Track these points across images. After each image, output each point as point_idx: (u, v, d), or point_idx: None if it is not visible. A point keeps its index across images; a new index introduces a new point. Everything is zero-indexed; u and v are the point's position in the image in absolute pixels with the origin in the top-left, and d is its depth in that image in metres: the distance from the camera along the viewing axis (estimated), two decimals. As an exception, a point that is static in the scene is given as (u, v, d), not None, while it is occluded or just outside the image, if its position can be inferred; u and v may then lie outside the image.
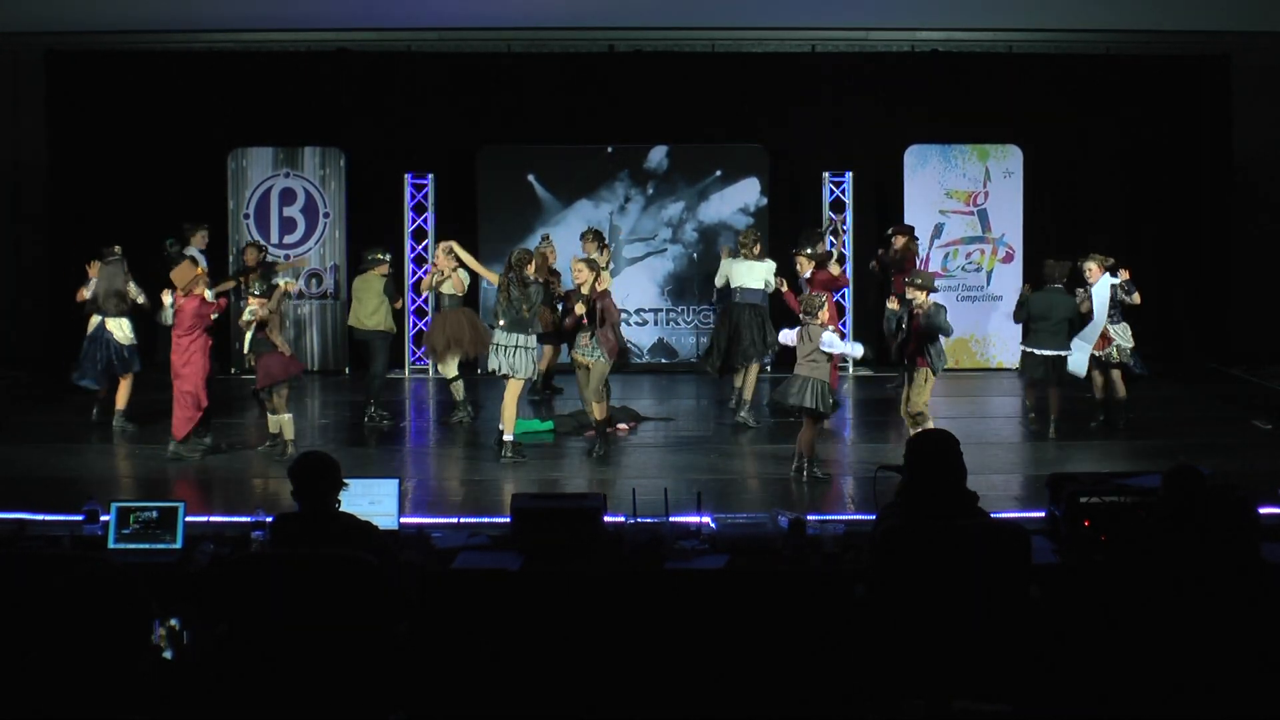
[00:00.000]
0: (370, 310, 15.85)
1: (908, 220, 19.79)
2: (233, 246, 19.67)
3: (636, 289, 20.13)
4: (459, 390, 15.81)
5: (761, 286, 15.87)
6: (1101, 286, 14.96)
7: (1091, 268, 15.19)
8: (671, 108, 20.44)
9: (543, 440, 14.78)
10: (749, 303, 15.83)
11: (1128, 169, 20.91)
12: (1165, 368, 19.59)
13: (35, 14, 19.73)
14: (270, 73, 20.57)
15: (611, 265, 17.13)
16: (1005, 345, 19.22)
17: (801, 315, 13.05)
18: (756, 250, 16.00)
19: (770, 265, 16.05)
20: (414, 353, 19.60)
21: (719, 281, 16.84)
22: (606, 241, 17.19)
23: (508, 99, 20.46)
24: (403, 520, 9.52)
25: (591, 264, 14.15)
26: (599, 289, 14.00)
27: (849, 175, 19.92)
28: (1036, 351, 15.01)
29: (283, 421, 13.99)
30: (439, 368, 16.01)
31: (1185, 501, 7.28)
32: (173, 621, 5.91)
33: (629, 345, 16.52)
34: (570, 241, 18.26)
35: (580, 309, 13.76)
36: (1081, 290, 15.19)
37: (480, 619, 8.64)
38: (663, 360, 20.22)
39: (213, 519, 10.72)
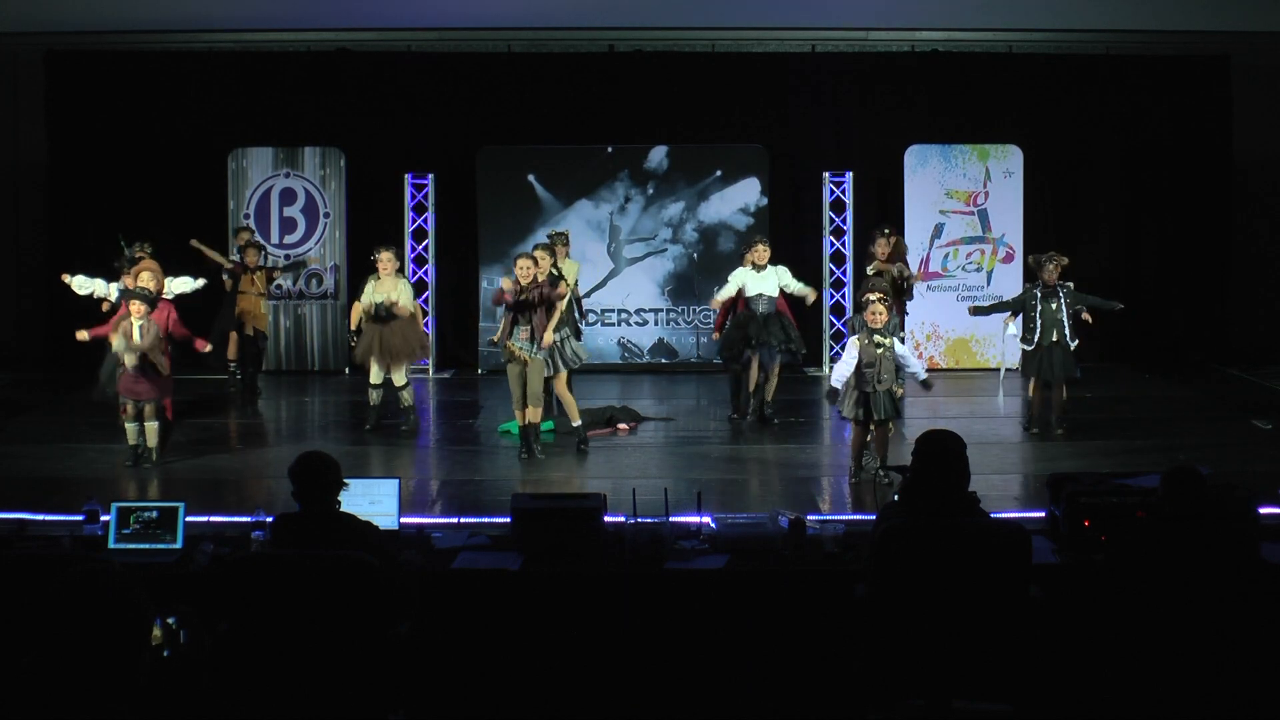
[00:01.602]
0: None
1: (908, 221, 19.85)
2: (233, 247, 19.65)
3: (636, 289, 20.15)
4: (375, 396, 15.38)
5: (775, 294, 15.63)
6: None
7: (1051, 268, 15.19)
8: (672, 108, 20.45)
9: (543, 440, 14.78)
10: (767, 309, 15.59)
11: (1128, 169, 20.92)
12: (1165, 367, 19.69)
13: (35, 14, 19.73)
14: (270, 73, 20.59)
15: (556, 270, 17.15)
16: (1005, 345, 19.23)
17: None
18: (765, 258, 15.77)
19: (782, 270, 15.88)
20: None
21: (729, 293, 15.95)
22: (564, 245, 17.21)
23: (508, 99, 20.47)
24: (403, 520, 9.51)
25: (534, 260, 14.11)
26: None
27: (849, 175, 19.93)
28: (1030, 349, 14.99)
29: (133, 430, 13.65)
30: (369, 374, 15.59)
31: (1185, 501, 7.29)
32: (170, 621, 5.89)
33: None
34: (572, 242, 18.35)
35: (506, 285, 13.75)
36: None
37: (480, 619, 8.65)
38: (663, 360, 20.23)
39: (213, 519, 10.69)
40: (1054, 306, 14.74)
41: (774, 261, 15.64)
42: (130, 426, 13.58)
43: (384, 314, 15.09)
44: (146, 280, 13.89)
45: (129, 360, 13.32)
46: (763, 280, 15.44)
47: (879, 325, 12.42)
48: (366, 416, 15.42)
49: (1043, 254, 15.28)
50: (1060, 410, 14.94)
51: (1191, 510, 7.26)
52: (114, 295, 15.16)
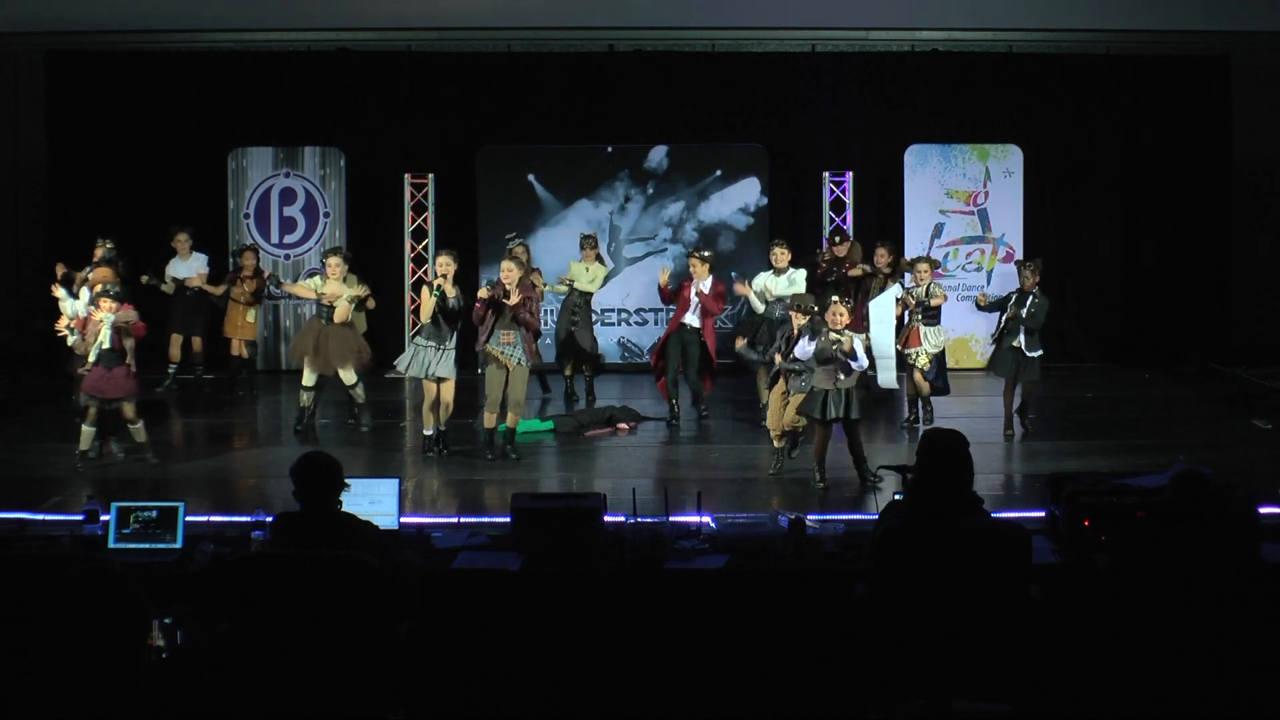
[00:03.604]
0: None
1: (908, 220, 19.90)
2: (232, 246, 19.66)
3: (637, 289, 20.13)
4: (305, 398, 15.22)
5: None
6: (884, 298, 15.02)
7: (923, 269, 15.26)
8: (671, 107, 20.44)
9: (542, 440, 14.79)
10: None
11: (1128, 169, 20.91)
12: (1165, 367, 19.69)
13: (35, 14, 19.73)
14: (270, 72, 20.58)
15: (610, 266, 17.25)
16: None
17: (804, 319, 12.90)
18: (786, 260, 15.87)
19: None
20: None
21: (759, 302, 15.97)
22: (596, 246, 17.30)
23: (508, 99, 20.46)
24: (403, 520, 9.52)
25: (519, 263, 14.09)
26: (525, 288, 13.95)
27: (849, 175, 19.91)
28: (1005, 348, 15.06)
29: (89, 434, 13.56)
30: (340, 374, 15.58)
31: (1192, 504, 7.29)
32: (167, 621, 5.90)
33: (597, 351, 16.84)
34: (571, 241, 18.42)
35: (483, 293, 13.67)
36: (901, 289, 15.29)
37: (480, 619, 8.65)
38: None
39: (213, 519, 10.71)
40: (1021, 312, 14.81)
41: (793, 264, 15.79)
42: (88, 430, 13.53)
43: (325, 314, 15.07)
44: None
45: (95, 352, 13.28)
46: (781, 285, 15.50)
47: (839, 326, 12.41)
48: (299, 417, 15.40)
49: (1028, 261, 15.42)
50: (1026, 410, 15.06)
51: (1193, 510, 7.27)
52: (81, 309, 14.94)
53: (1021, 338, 14.80)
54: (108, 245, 16.03)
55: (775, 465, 13.15)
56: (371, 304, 16.45)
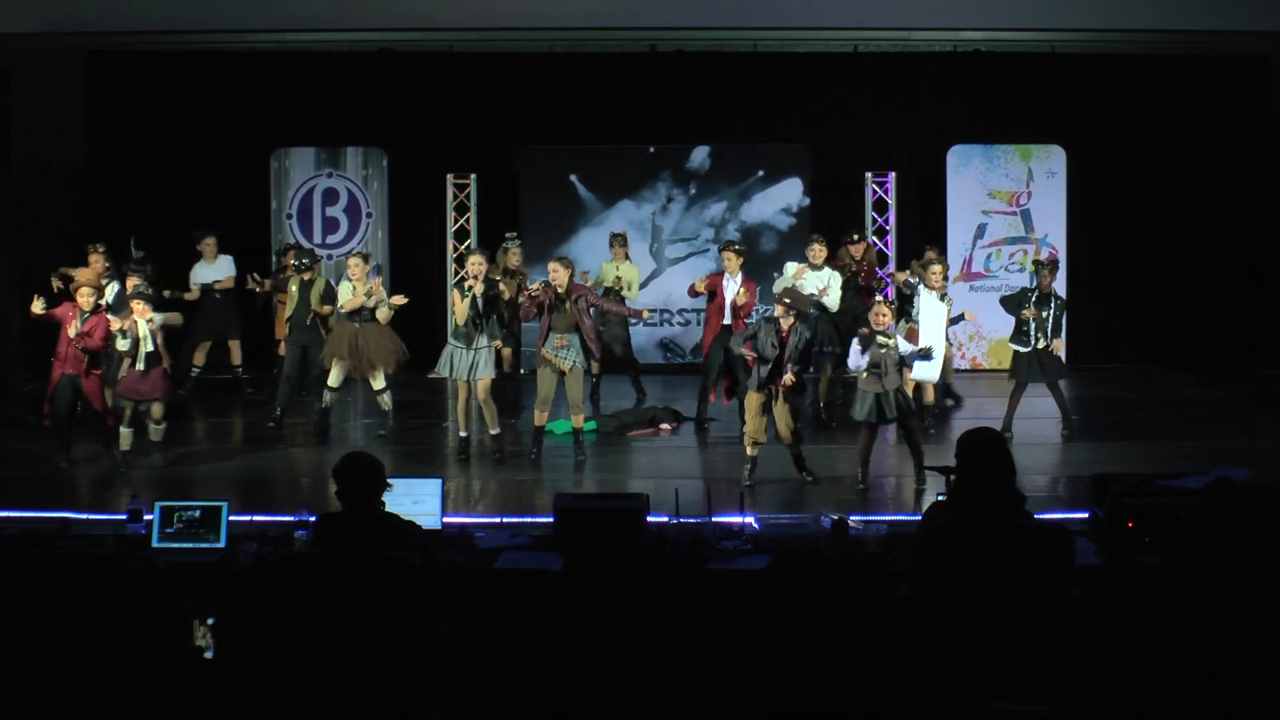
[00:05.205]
0: None
1: (951, 221, 19.83)
2: (275, 246, 19.72)
3: (679, 289, 20.07)
4: (329, 398, 15.33)
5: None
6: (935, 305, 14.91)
7: (937, 271, 15.08)
8: (713, 108, 20.43)
9: (586, 440, 14.78)
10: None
11: (1169, 168, 20.81)
12: (1206, 367, 19.61)
13: (78, 14, 19.80)
14: (313, 73, 20.64)
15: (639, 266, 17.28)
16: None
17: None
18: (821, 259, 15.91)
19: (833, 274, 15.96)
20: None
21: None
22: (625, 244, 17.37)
23: (550, 99, 20.48)
24: (445, 520, 9.54)
25: (565, 262, 14.02)
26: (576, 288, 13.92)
27: (891, 175, 19.89)
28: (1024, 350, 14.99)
29: (128, 435, 13.73)
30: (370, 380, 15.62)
31: (1227, 510, 7.25)
32: (210, 620, 5.93)
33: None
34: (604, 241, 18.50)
35: (535, 288, 13.77)
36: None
37: (523, 619, 8.66)
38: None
39: (256, 518, 10.72)
40: (1044, 314, 14.75)
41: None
42: (126, 432, 13.61)
43: (362, 318, 15.12)
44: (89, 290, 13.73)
45: (139, 356, 13.35)
46: (817, 279, 15.47)
47: (882, 326, 12.45)
48: (311, 419, 15.53)
49: (1047, 262, 15.39)
50: (1065, 412, 14.97)
51: (1231, 518, 7.23)
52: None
53: (1045, 338, 14.77)
54: (100, 250, 16.05)
55: (749, 475, 12.87)
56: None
